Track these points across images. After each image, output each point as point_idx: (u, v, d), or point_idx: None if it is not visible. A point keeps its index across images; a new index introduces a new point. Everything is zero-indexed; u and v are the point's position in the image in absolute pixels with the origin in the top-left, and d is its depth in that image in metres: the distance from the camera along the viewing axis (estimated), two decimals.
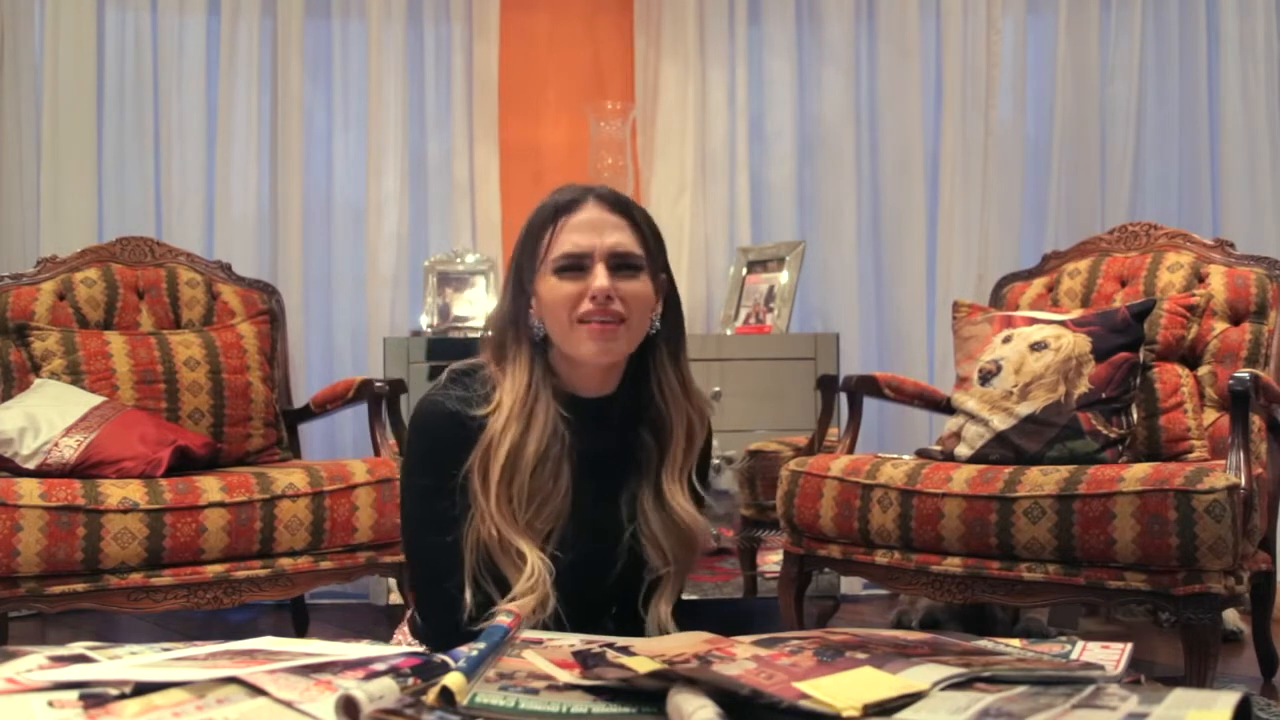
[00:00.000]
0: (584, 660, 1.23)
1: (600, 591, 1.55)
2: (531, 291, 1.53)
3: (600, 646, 1.30)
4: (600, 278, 1.47)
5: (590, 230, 1.50)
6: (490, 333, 1.58)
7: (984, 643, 1.34)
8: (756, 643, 1.31)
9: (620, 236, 1.50)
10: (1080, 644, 1.28)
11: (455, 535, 1.47)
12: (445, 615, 1.47)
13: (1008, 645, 1.33)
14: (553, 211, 1.52)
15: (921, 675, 1.16)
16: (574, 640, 1.32)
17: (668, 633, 1.55)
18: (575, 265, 1.49)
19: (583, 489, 1.51)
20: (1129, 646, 1.23)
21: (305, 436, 3.30)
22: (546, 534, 1.49)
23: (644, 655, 1.26)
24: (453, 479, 1.46)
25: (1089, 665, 1.22)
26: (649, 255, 1.53)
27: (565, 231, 1.50)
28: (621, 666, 1.21)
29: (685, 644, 1.34)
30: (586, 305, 1.48)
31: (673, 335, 1.57)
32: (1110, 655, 1.24)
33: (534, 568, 1.44)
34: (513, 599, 1.43)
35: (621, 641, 1.32)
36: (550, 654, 1.24)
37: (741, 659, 1.25)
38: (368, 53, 3.77)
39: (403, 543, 1.60)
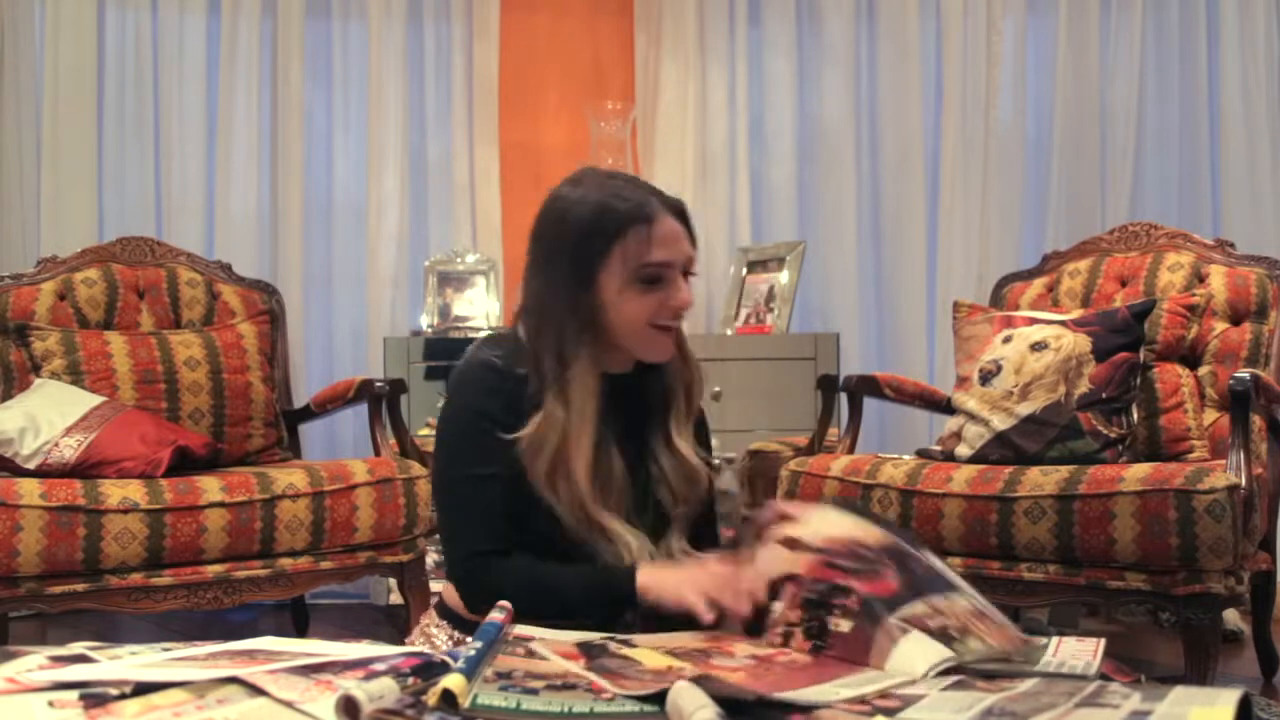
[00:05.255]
0: (588, 652, 1.23)
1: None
2: (591, 286, 1.56)
3: (602, 639, 1.31)
4: (685, 292, 1.58)
5: (672, 245, 1.57)
6: (539, 315, 1.59)
7: (935, 561, 1.39)
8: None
9: (690, 250, 1.60)
10: (1055, 639, 1.29)
11: (496, 472, 1.53)
12: (482, 542, 1.54)
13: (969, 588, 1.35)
14: (632, 215, 1.55)
15: (909, 658, 1.18)
16: (570, 637, 1.33)
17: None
18: (659, 277, 1.56)
19: (620, 453, 1.61)
20: (1102, 641, 1.25)
21: (305, 436, 3.30)
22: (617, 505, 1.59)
23: (646, 647, 1.27)
24: (495, 422, 1.53)
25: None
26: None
27: (651, 243, 1.55)
28: (626, 659, 1.21)
29: (685, 639, 1.34)
30: (665, 315, 1.57)
31: None
32: (1086, 648, 1.25)
33: (626, 542, 1.55)
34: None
35: (622, 635, 1.33)
36: (553, 645, 1.25)
37: (740, 656, 1.25)
38: (368, 53, 3.77)
39: (436, 485, 1.64)
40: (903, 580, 1.31)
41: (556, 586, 1.51)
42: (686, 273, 1.60)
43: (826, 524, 1.43)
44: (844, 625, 1.29)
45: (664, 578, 1.48)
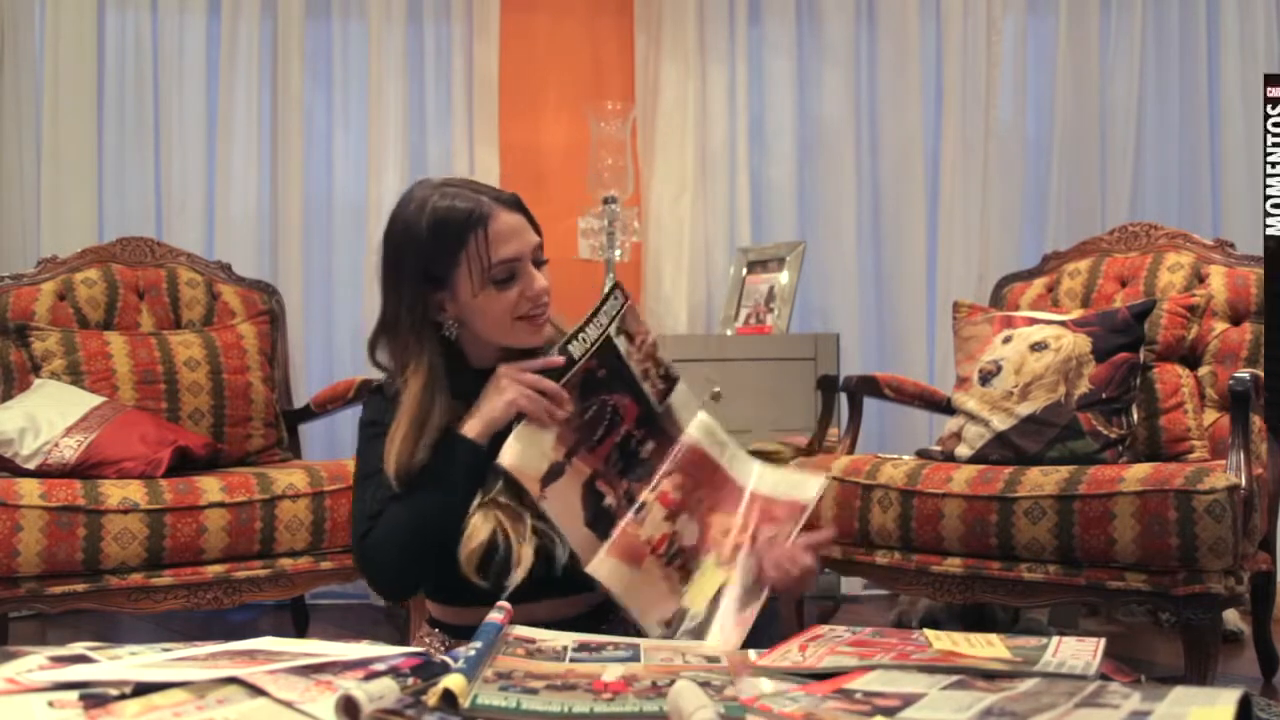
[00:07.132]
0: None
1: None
2: (448, 296, 1.60)
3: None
4: (540, 279, 1.62)
5: (514, 239, 1.60)
6: (393, 333, 1.65)
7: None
8: None
9: (532, 236, 1.63)
10: (1055, 639, 1.29)
11: (381, 469, 1.62)
12: (365, 524, 1.62)
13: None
14: (469, 221, 1.58)
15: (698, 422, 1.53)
16: (567, 640, 1.33)
17: None
18: (511, 274, 1.60)
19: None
20: (1102, 641, 1.25)
21: (305, 436, 3.30)
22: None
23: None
24: (381, 426, 1.64)
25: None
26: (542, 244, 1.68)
27: (494, 243, 1.58)
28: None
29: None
30: (526, 305, 1.61)
31: None
32: (1086, 648, 1.25)
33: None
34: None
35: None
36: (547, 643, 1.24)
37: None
38: (368, 53, 3.77)
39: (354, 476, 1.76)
40: (634, 398, 1.58)
41: (412, 496, 1.57)
42: (537, 261, 1.63)
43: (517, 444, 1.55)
44: (649, 446, 1.62)
45: (478, 407, 1.59)
